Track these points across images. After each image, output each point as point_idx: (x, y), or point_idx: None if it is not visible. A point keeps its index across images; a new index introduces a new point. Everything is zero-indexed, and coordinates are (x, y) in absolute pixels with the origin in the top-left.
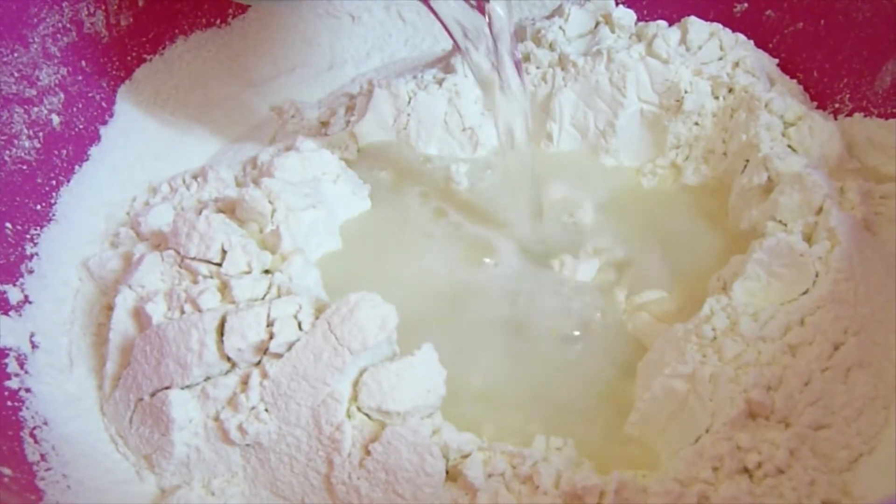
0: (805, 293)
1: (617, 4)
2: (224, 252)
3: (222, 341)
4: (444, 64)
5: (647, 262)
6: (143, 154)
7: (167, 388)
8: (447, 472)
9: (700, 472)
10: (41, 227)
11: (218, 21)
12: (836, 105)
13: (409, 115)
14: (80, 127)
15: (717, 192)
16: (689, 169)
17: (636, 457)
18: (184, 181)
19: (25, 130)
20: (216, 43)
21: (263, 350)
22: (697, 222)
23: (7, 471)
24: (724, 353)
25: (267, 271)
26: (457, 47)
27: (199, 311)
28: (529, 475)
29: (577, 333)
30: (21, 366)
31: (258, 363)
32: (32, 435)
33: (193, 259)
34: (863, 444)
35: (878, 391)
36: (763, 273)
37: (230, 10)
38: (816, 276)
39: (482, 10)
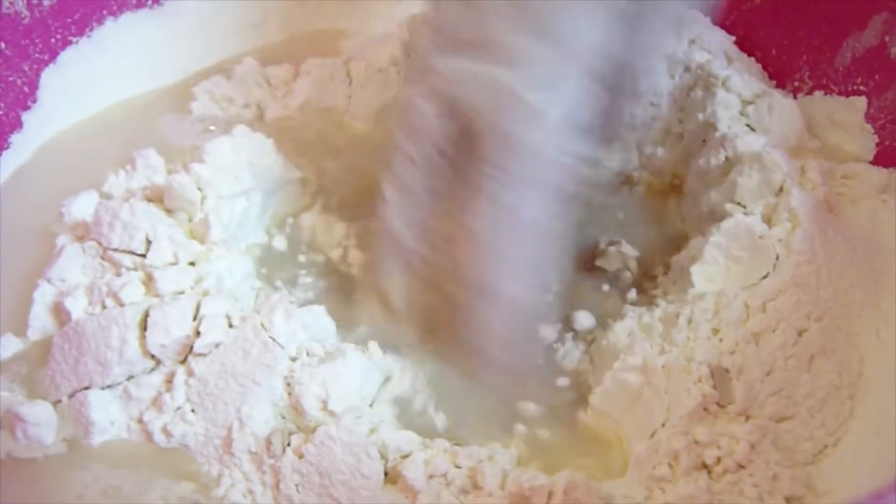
0: (765, 277)
1: None
2: (149, 242)
3: (145, 337)
4: None
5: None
6: (69, 142)
7: (86, 388)
8: (386, 474)
9: (656, 470)
10: None
11: (150, 2)
12: (796, 83)
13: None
14: (0, 113)
15: (674, 174)
16: (645, 151)
17: (590, 453)
18: (112, 169)
19: None
20: (148, 25)
21: (189, 347)
22: (653, 206)
23: None
24: (679, 343)
25: (194, 263)
26: None
27: (121, 305)
28: (473, 475)
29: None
30: None
31: (183, 361)
32: None
33: (116, 250)
34: (827, 435)
35: (843, 379)
36: (721, 257)
37: None
38: (777, 259)
39: None
